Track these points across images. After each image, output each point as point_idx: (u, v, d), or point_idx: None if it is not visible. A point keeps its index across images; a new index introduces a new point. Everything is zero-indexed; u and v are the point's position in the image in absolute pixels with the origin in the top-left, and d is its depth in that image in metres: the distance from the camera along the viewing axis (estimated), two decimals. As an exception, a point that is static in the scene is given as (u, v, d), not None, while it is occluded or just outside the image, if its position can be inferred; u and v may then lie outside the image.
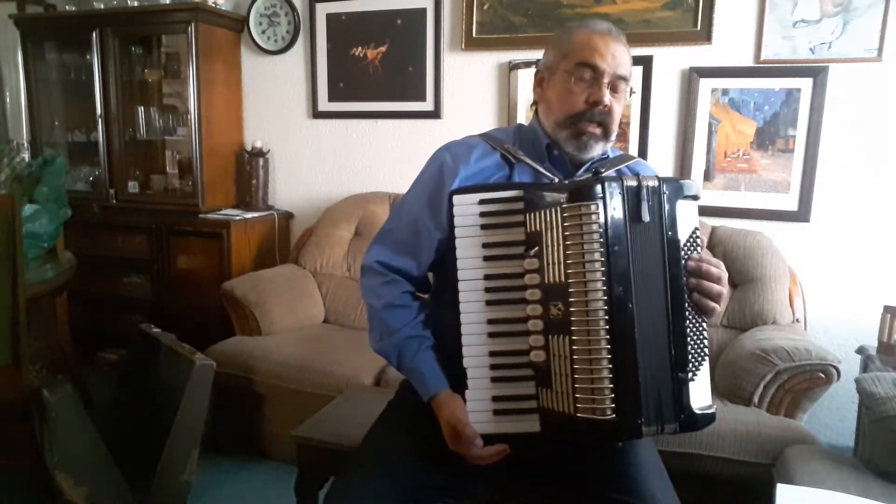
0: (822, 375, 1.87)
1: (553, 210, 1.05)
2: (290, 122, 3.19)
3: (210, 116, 3.02)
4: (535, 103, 1.31)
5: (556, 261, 1.04)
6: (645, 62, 2.56)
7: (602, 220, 1.02)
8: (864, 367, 2.10)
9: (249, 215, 3.02)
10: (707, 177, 2.56)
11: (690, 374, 1.06)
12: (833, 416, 2.47)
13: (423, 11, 2.84)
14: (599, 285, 1.01)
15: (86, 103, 3.20)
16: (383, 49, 2.94)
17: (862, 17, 2.30)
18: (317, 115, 3.12)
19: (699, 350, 1.08)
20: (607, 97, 1.17)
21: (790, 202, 2.46)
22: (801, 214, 2.45)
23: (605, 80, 1.17)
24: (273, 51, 3.13)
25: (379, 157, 3.04)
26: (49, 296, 2.07)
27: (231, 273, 2.87)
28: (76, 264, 2.25)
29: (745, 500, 1.81)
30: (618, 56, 1.18)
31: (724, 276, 1.10)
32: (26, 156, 3.25)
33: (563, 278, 1.03)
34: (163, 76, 3.23)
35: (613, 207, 1.03)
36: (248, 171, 3.15)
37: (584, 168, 1.25)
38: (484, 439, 1.09)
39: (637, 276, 1.03)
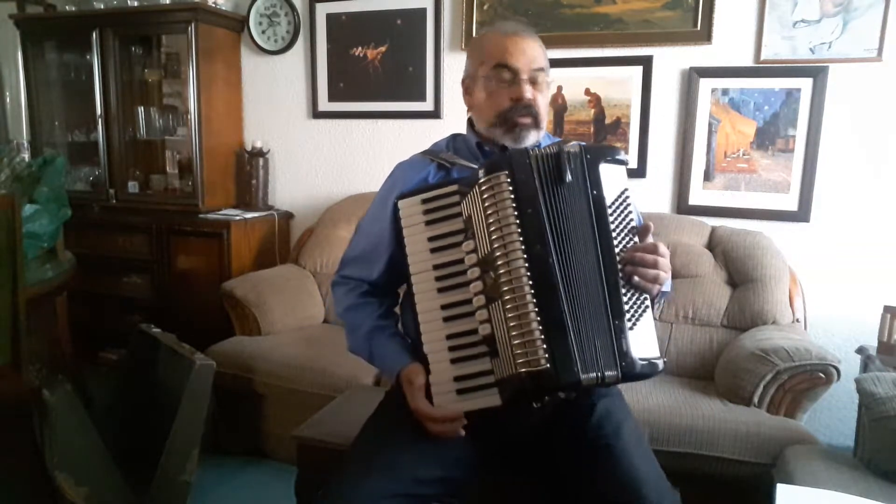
0: (822, 375, 1.88)
1: (475, 190, 1.14)
2: (290, 122, 3.19)
3: (210, 116, 3.02)
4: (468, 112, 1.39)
5: (483, 234, 1.12)
6: (645, 62, 2.57)
7: (513, 187, 1.10)
8: (864, 367, 2.10)
9: (249, 215, 3.02)
10: (707, 177, 2.56)
11: (629, 325, 1.10)
12: (833, 416, 2.47)
13: (423, 11, 2.84)
14: (518, 245, 1.08)
15: (86, 103, 3.20)
16: (383, 49, 2.94)
17: (862, 17, 2.30)
18: (317, 115, 3.12)
19: (638, 301, 1.13)
20: (528, 92, 1.26)
21: (790, 202, 2.46)
22: (801, 214, 2.45)
23: (524, 76, 1.25)
24: (273, 51, 3.13)
25: (379, 157, 3.04)
26: (49, 296, 2.07)
27: (231, 273, 2.87)
28: (76, 264, 2.25)
29: (745, 500, 1.81)
30: (528, 51, 1.26)
31: (662, 259, 1.14)
32: (26, 156, 3.25)
33: (489, 248, 1.11)
34: (163, 76, 3.24)
35: (524, 173, 1.11)
36: (248, 171, 3.15)
37: None
38: (450, 411, 1.15)
39: (559, 233, 1.10)
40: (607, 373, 1.08)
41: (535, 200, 1.10)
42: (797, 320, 2.28)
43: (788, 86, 2.42)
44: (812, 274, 2.43)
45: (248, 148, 3.16)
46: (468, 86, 1.35)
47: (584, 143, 1.19)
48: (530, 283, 1.07)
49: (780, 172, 2.47)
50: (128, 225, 3.13)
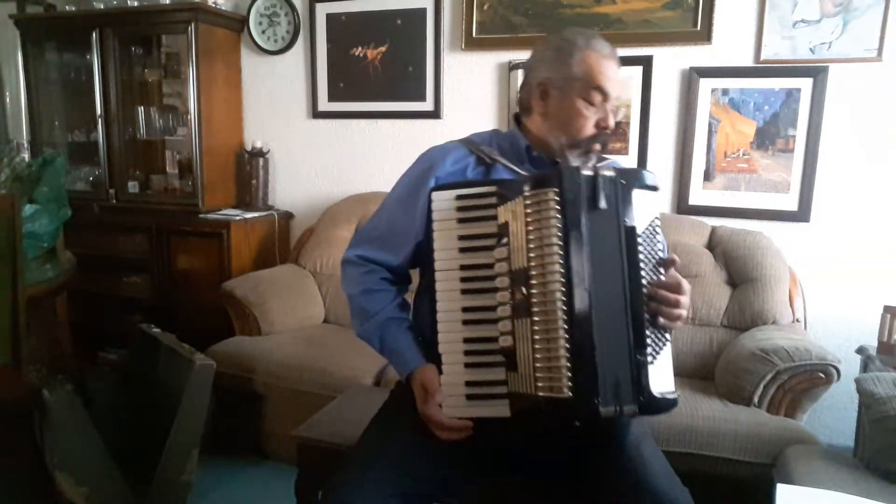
0: (822, 375, 1.88)
1: (518, 200, 1.10)
2: (290, 122, 3.19)
3: (210, 116, 3.02)
4: (521, 110, 1.34)
5: (520, 247, 1.09)
6: (645, 62, 2.56)
7: (560, 206, 1.06)
8: (864, 367, 2.10)
9: (249, 215, 3.02)
10: (707, 177, 2.56)
11: (650, 358, 1.09)
12: (833, 416, 2.47)
13: (423, 11, 2.84)
14: (557, 267, 1.06)
15: (86, 103, 3.20)
16: (383, 49, 2.94)
17: (862, 17, 2.30)
18: (317, 115, 3.12)
19: (660, 336, 1.11)
20: (612, 120, 1.24)
21: (790, 202, 2.46)
22: (801, 214, 2.45)
23: (612, 103, 1.24)
24: (273, 51, 3.13)
25: (379, 157, 3.04)
26: (49, 296, 2.07)
27: (231, 273, 2.87)
28: (76, 264, 2.25)
29: (745, 500, 1.81)
30: (620, 79, 1.25)
31: (684, 297, 1.12)
32: (26, 156, 3.25)
33: (525, 263, 1.08)
34: (163, 76, 3.24)
35: (571, 195, 1.07)
36: (248, 171, 3.15)
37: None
38: (460, 420, 1.14)
39: (594, 260, 1.07)
40: (626, 407, 1.06)
41: (579, 224, 1.07)
42: (797, 320, 2.28)
43: (788, 86, 2.42)
44: (812, 274, 2.43)
45: (248, 148, 3.16)
46: (546, 90, 1.26)
47: (618, 165, 1.17)
48: (564, 308, 1.05)
49: (780, 172, 2.47)
50: (128, 225, 3.13)
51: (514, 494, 1.27)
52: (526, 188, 1.10)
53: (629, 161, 2.60)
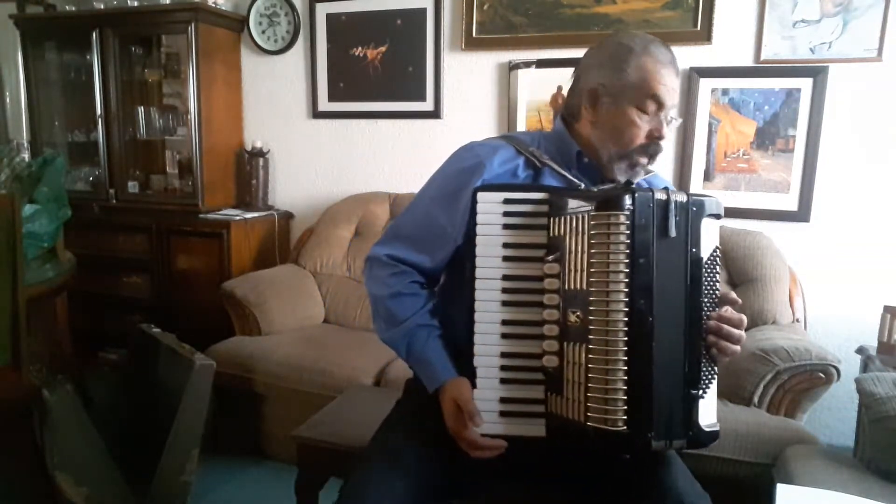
0: (822, 375, 1.87)
1: (579, 217, 1.04)
2: (290, 122, 3.19)
3: (210, 116, 3.02)
4: (568, 114, 1.27)
5: (578, 268, 1.04)
6: (645, 62, 2.56)
7: (629, 231, 1.01)
8: (864, 367, 2.10)
9: (249, 215, 3.02)
10: (707, 177, 2.56)
11: (702, 391, 1.06)
12: (833, 416, 2.47)
13: (423, 11, 2.84)
14: (622, 296, 1.01)
15: (86, 103, 3.20)
16: (383, 49, 2.94)
17: (862, 17, 2.30)
18: (317, 115, 3.12)
19: (710, 368, 1.09)
20: (666, 130, 1.17)
21: (790, 202, 2.46)
22: (801, 214, 2.45)
23: (667, 113, 1.16)
24: (273, 51, 3.13)
25: (379, 157, 3.04)
26: (49, 296, 2.07)
27: (231, 273, 2.87)
28: (76, 264, 2.25)
29: (745, 500, 1.81)
30: (676, 87, 1.17)
31: (743, 334, 1.10)
32: (26, 156, 3.24)
33: (584, 286, 1.03)
34: (163, 76, 3.23)
35: (642, 220, 1.02)
36: (248, 171, 3.15)
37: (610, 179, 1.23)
38: (495, 439, 1.09)
39: (659, 290, 1.02)
40: (675, 441, 1.04)
41: (648, 251, 1.01)
42: (797, 320, 2.28)
43: (788, 86, 2.42)
44: (812, 274, 2.43)
45: (248, 148, 3.16)
46: (597, 97, 1.18)
47: (689, 192, 1.11)
48: (625, 339, 1.00)
49: (780, 172, 2.47)
50: (128, 225, 3.13)
51: (528, 496, 1.25)
52: (591, 206, 1.03)
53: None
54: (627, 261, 1.01)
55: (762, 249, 2.32)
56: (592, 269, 1.02)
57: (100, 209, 3.19)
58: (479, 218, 1.10)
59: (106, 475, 1.71)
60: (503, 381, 1.09)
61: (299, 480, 1.72)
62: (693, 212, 1.04)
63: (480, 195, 1.11)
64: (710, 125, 2.53)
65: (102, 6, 3.13)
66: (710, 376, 1.08)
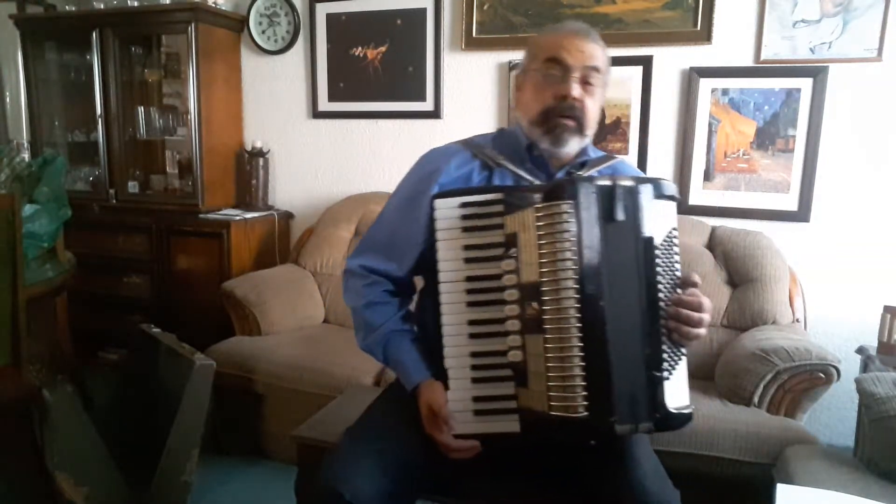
0: (822, 375, 1.87)
1: (528, 211, 1.07)
2: (290, 122, 3.19)
3: (210, 116, 3.02)
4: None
5: (531, 261, 1.06)
6: (645, 62, 2.56)
7: (575, 219, 1.03)
8: (864, 367, 2.10)
9: (249, 215, 3.02)
10: (707, 177, 2.56)
11: (666, 374, 1.06)
12: (833, 416, 2.47)
13: (423, 11, 2.84)
14: (571, 283, 1.03)
15: (86, 103, 3.20)
16: (383, 49, 2.94)
17: (862, 17, 2.30)
18: (317, 115, 3.12)
19: (675, 350, 1.09)
20: (576, 90, 1.18)
21: (790, 202, 2.46)
22: (801, 214, 2.45)
23: (575, 73, 1.18)
24: (273, 51, 3.13)
25: (379, 157, 3.04)
26: (49, 296, 2.07)
27: (231, 273, 2.87)
28: (76, 264, 2.25)
29: (745, 500, 1.81)
30: (586, 50, 1.19)
31: (705, 315, 1.09)
32: (26, 156, 3.24)
33: (537, 277, 1.05)
34: (163, 76, 3.24)
35: (587, 207, 1.04)
36: (248, 171, 3.15)
37: (564, 169, 1.27)
38: (465, 439, 1.12)
39: (610, 274, 1.04)
40: (642, 424, 1.05)
41: (595, 238, 1.04)
42: (797, 320, 2.28)
43: (788, 86, 2.42)
44: (812, 274, 2.43)
45: (248, 148, 3.16)
46: (520, 82, 1.28)
47: (637, 174, 1.13)
48: (579, 325, 1.02)
49: (780, 172, 2.47)
50: (128, 225, 3.13)
51: (505, 493, 1.26)
52: (537, 198, 1.06)
53: (629, 161, 2.59)
54: (574, 249, 1.03)
55: (762, 249, 2.32)
56: (543, 261, 1.04)
57: (100, 209, 3.19)
58: (438, 224, 1.14)
59: (106, 475, 1.71)
60: (475, 380, 1.12)
61: (299, 480, 1.71)
62: (640, 195, 1.06)
63: (437, 202, 1.15)
64: (709, 125, 2.53)
65: (102, 6, 3.13)
66: (676, 358, 1.09)
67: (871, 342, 2.12)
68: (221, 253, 2.92)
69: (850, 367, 2.09)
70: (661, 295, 1.07)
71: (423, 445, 1.17)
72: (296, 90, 3.15)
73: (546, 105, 1.20)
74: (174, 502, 1.77)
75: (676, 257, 1.10)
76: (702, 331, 1.08)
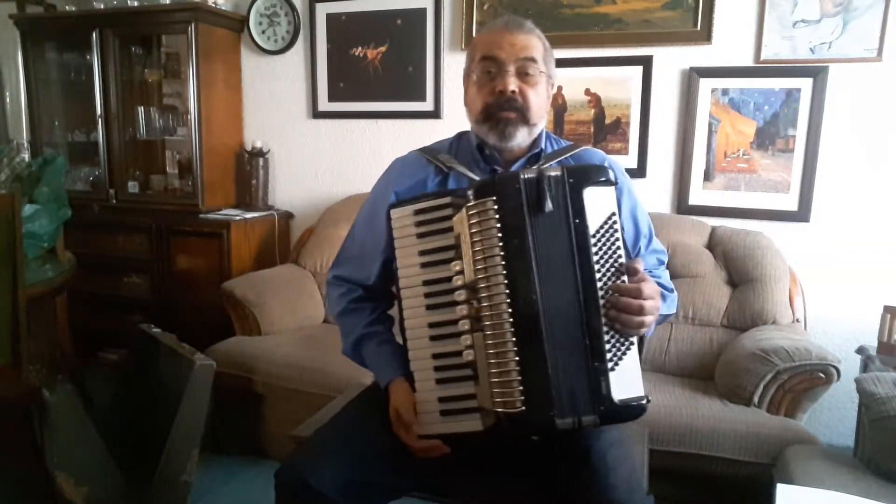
0: (822, 375, 1.87)
1: (463, 211, 1.09)
2: (290, 122, 3.19)
3: (210, 116, 3.02)
4: None
5: (469, 260, 1.08)
6: (645, 62, 2.56)
7: (500, 215, 1.04)
8: (864, 367, 2.10)
9: (249, 215, 3.02)
10: (707, 177, 2.56)
11: (610, 365, 1.04)
12: (833, 416, 2.47)
13: (423, 11, 2.84)
14: (501, 279, 1.04)
15: (86, 103, 3.20)
16: (383, 49, 2.94)
17: (862, 17, 2.30)
18: (317, 115, 3.12)
19: (621, 340, 1.06)
20: (512, 84, 1.20)
21: (790, 202, 2.46)
22: (801, 214, 2.45)
23: (509, 67, 1.21)
24: (273, 51, 3.13)
25: (379, 157, 3.04)
26: (49, 296, 2.07)
27: (231, 273, 2.87)
28: (76, 264, 2.25)
29: (745, 500, 1.81)
30: (517, 42, 1.22)
31: (648, 303, 1.05)
32: (26, 156, 3.25)
33: (474, 275, 1.07)
34: (163, 76, 3.24)
35: (510, 201, 1.04)
36: (248, 171, 3.15)
37: (518, 164, 1.29)
38: (433, 440, 1.15)
39: (542, 267, 1.04)
40: (584, 417, 1.03)
41: (522, 231, 1.04)
42: (797, 320, 2.28)
43: (788, 86, 2.42)
44: (812, 274, 2.43)
45: (248, 148, 3.16)
46: (465, 84, 1.32)
47: (569, 164, 1.14)
48: (511, 320, 1.03)
49: (780, 172, 2.47)
50: (128, 225, 3.13)
51: (483, 493, 1.26)
52: (470, 196, 1.07)
53: (629, 161, 2.60)
54: (501, 244, 1.04)
55: (762, 249, 2.32)
56: (477, 258, 1.06)
57: (100, 209, 3.19)
58: (395, 233, 1.18)
59: (106, 475, 1.71)
60: (438, 381, 1.15)
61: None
62: (571, 183, 1.05)
63: (393, 212, 1.19)
64: (709, 125, 2.53)
65: (102, 6, 3.13)
66: (622, 348, 1.06)
67: (871, 342, 2.12)
68: (221, 253, 2.92)
69: (850, 367, 2.09)
70: (600, 284, 1.05)
71: (392, 443, 1.20)
72: (296, 90, 3.15)
73: (486, 102, 1.23)
74: (174, 502, 1.77)
75: (618, 244, 1.07)
76: (646, 318, 1.05)
